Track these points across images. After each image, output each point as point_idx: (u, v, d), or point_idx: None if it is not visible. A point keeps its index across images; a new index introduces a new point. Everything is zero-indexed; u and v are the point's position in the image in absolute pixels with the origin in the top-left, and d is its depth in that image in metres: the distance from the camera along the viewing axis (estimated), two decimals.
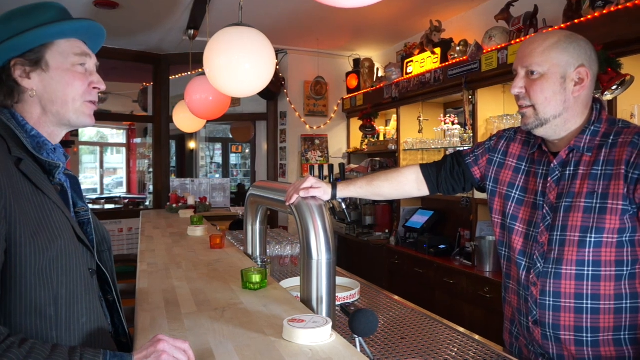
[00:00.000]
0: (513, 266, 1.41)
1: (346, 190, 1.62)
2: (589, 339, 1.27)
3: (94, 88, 1.11)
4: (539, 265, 1.32)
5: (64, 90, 1.06)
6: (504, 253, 1.47)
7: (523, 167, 1.43)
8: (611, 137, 1.27)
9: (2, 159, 0.94)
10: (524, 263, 1.36)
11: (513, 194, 1.42)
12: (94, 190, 10.86)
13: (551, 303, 1.30)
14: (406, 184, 1.64)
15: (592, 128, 1.29)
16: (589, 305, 1.26)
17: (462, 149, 3.79)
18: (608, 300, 1.25)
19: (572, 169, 1.30)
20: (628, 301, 1.24)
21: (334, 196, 1.58)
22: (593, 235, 1.24)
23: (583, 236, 1.25)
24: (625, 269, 1.24)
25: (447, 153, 4.18)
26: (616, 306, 1.25)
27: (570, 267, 1.27)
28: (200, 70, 4.11)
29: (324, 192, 1.52)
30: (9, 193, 0.91)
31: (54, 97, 1.06)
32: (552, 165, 1.34)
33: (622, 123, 1.30)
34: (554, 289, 1.29)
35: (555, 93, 1.27)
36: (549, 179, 1.34)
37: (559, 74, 1.27)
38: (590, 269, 1.25)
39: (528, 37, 2.98)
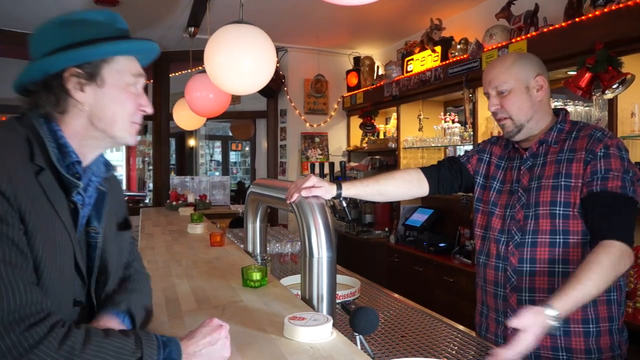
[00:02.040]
0: (492, 244, 1.60)
1: (352, 189, 1.64)
2: None
3: (141, 110, 1.07)
4: (516, 237, 1.52)
5: (114, 109, 1.02)
6: (483, 234, 1.65)
7: (502, 164, 1.67)
8: (574, 133, 1.52)
9: (22, 167, 0.89)
10: (503, 238, 1.56)
11: (494, 185, 1.65)
12: None
13: (528, 269, 1.49)
14: (410, 181, 1.73)
15: (558, 126, 1.55)
16: (560, 269, 1.44)
17: (461, 147, 3.81)
18: (576, 265, 1.39)
19: (541, 158, 1.53)
20: None
21: (339, 195, 1.60)
22: (562, 209, 1.45)
23: (553, 209, 1.46)
24: (589, 237, 1.42)
25: (447, 151, 4.22)
26: None
27: (545, 236, 1.46)
28: (200, 67, 4.10)
29: (325, 191, 1.53)
30: (28, 206, 0.86)
31: (102, 114, 1.01)
32: (524, 156, 1.57)
33: (582, 123, 1.56)
34: (530, 256, 1.48)
35: (524, 101, 1.52)
36: (522, 167, 1.57)
37: (523, 85, 1.52)
38: (561, 237, 1.45)
39: (529, 35, 2.98)
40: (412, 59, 4.28)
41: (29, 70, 0.98)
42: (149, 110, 1.07)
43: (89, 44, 0.98)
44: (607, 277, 1.25)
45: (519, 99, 1.51)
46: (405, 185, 1.72)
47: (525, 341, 1.13)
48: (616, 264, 1.27)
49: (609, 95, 2.45)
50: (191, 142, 10.42)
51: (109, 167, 1.11)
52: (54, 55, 0.96)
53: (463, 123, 3.86)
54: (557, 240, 1.45)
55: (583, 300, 1.24)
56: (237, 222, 4.60)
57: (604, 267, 1.25)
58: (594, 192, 1.38)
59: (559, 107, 2.21)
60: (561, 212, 1.44)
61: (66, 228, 0.95)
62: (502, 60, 1.57)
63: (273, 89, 5.36)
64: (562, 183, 1.45)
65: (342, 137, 5.69)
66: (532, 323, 1.14)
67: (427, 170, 1.74)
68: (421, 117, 4.37)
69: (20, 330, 0.78)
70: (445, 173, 1.74)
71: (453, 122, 4.03)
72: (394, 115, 4.75)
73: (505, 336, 1.53)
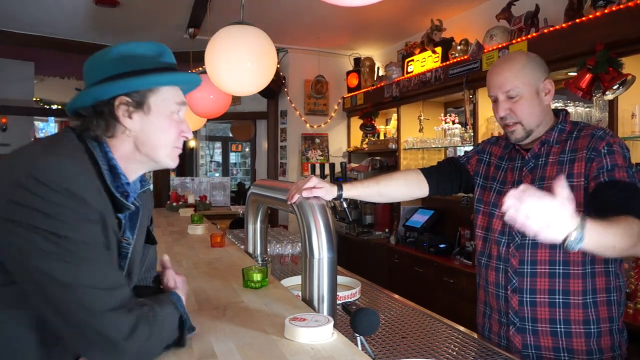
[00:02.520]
0: (493, 245, 1.59)
1: (353, 190, 1.65)
2: (561, 300, 1.44)
3: (183, 135, 1.13)
4: (517, 239, 1.51)
5: (158, 136, 1.09)
6: (484, 235, 1.65)
7: (502, 165, 1.65)
8: (575, 133, 1.51)
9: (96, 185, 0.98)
10: (503, 240, 1.55)
11: (494, 186, 1.64)
12: None
13: (529, 270, 1.48)
14: (410, 183, 1.73)
15: (560, 127, 1.54)
16: (561, 271, 1.44)
17: (461, 148, 3.80)
18: (576, 267, 1.43)
19: (543, 159, 1.53)
20: (589, 266, 1.43)
21: (339, 196, 1.60)
22: None
23: None
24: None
25: (448, 152, 4.22)
26: (583, 271, 1.43)
27: None
28: (201, 68, 4.10)
29: (326, 192, 1.53)
30: (105, 220, 0.97)
31: (146, 139, 1.08)
32: (526, 157, 1.56)
33: (583, 124, 1.55)
34: (531, 257, 1.48)
35: (535, 106, 1.50)
36: (524, 169, 1.56)
37: (534, 90, 1.50)
38: None
39: (529, 36, 2.98)
40: (412, 60, 4.28)
41: (81, 96, 1.05)
42: (190, 135, 1.15)
43: (137, 75, 1.05)
44: (630, 240, 1.15)
45: (530, 104, 1.49)
46: (405, 187, 1.72)
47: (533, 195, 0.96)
48: (638, 236, 1.17)
49: (609, 96, 2.45)
50: (191, 143, 10.41)
51: (143, 183, 1.17)
52: (106, 84, 1.03)
53: (463, 124, 3.85)
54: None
55: (607, 241, 1.11)
56: (238, 223, 4.61)
57: (631, 229, 1.15)
58: (602, 182, 1.36)
59: (560, 107, 2.21)
60: None
61: (113, 242, 1.02)
62: (511, 62, 1.53)
63: (273, 90, 5.37)
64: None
65: (343, 138, 5.69)
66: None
67: (426, 171, 1.74)
68: (421, 118, 4.37)
69: (119, 312, 0.91)
70: (445, 174, 1.74)
71: (453, 123, 4.03)
72: (394, 116, 4.75)
73: (508, 337, 1.53)
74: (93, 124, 1.04)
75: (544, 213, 0.97)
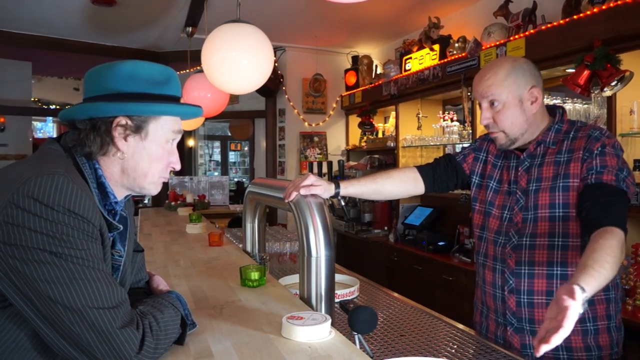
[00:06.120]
0: (490, 245, 1.59)
1: (350, 188, 1.65)
2: None
3: (171, 167, 1.11)
4: (514, 240, 1.50)
5: (149, 164, 1.06)
6: (480, 234, 1.65)
7: (499, 163, 1.64)
8: (572, 133, 1.49)
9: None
10: (500, 240, 1.55)
11: (491, 185, 1.63)
12: None
13: (526, 271, 1.48)
14: (406, 180, 1.73)
15: (556, 127, 1.51)
16: (559, 272, 1.43)
17: (459, 145, 3.80)
18: (574, 267, 1.39)
19: (539, 159, 1.51)
20: None
21: (336, 194, 1.60)
22: (561, 210, 1.43)
23: (552, 211, 1.44)
24: (586, 239, 1.38)
25: (446, 150, 4.22)
26: None
27: (543, 239, 1.45)
28: (198, 67, 4.10)
29: (324, 189, 1.52)
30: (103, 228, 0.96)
31: (137, 166, 1.05)
32: (521, 157, 1.55)
33: (580, 123, 1.53)
34: (528, 258, 1.47)
35: (518, 116, 1.48)
36: (520, 168, 1.54)
37: (517, 99, 1.48)
38: (560, 239, 1.43)
39: (527, 33, 2.98)
40: (410, 58, 4.28)
41: (80, 107, 1.01)
42: (178, 167, 1.12)
43: (142, 100, 1.02)
44: (618, 262, 1.20)
45: (512, 113, 1.48)
46: (401, 184, 1.72)
47: (573, 319, 1.01)
48: (622, 249, 1.23)
49: (607, 92, 2.44)
50: (190, 142, 10.41)
51: (127, 194, 1.14)
52: (110, 103, 1.00)
53: (462, 121, 3.85)
54: (556, 242, 1.44)
55: (604, 283, 1.15)
56: (236, 222, 4.60)
57: (616, 252, 1.19)
58: (589, 184, 1.37)
59: (558, 104, 2.19)
60: (560, 214, 1.43)
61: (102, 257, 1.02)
62: (495, 70, 1.50)
63: (271, 89, 5.36)
64: (561, 184, 1.44)
65: (341, 136, 5.68)
66: (576, 303, 1.04)
67: (423, 169, 1.75)
68: (420, 115, 4.37)
69: (128, 329, 0.90)
70: (441, 172, 1.74)
71: (452, 120, 4.03)
72: (393, 114, 4.75)
73: (505, 337, 1.53)
74: (89, 139, 1.00)
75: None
